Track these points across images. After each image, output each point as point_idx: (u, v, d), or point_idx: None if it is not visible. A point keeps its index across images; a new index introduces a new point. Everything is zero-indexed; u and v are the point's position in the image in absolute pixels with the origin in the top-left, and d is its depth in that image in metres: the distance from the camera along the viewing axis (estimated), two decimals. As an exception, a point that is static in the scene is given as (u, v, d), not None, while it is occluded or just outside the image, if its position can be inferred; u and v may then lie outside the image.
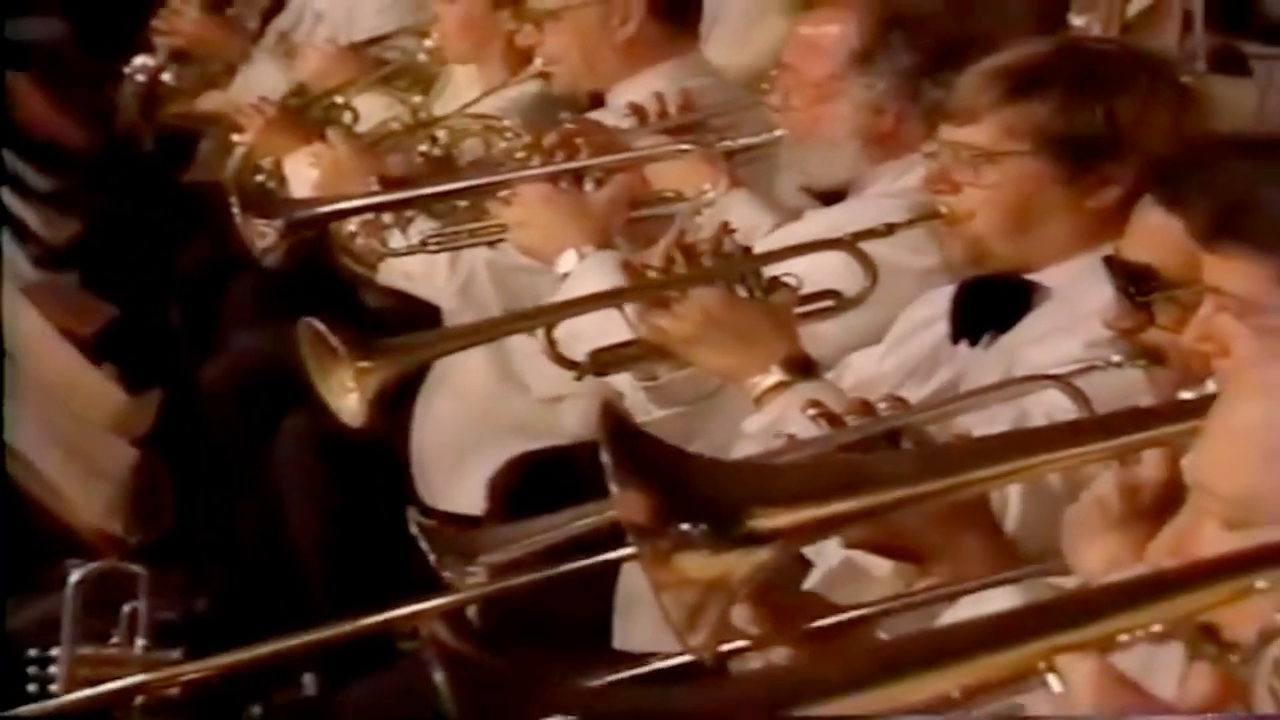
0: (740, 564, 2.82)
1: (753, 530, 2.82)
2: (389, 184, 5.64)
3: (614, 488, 2.81)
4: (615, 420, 2.91)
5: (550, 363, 4.36)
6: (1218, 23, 5.76)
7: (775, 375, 4.09)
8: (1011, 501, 3.58)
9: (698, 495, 2.84)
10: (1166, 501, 3.01)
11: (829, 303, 4.32)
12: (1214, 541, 2.55)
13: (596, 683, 3.17)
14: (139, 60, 8.04)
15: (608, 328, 4.39)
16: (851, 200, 4.78)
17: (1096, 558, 3.07)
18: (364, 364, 4.29)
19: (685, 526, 2.80)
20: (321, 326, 4.31)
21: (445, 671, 2.23)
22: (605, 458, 2.80)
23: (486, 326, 4.91)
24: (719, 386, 4.31)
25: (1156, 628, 2.38)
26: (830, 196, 4.86)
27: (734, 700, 2.37)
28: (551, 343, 4.32)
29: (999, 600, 3.15)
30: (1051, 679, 2.35)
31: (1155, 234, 3.52)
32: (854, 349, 4.40)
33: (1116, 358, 3.57)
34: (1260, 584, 2.38)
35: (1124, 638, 2.38)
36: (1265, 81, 5.70)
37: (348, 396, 4.30)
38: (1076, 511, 3.13)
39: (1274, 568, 2.39)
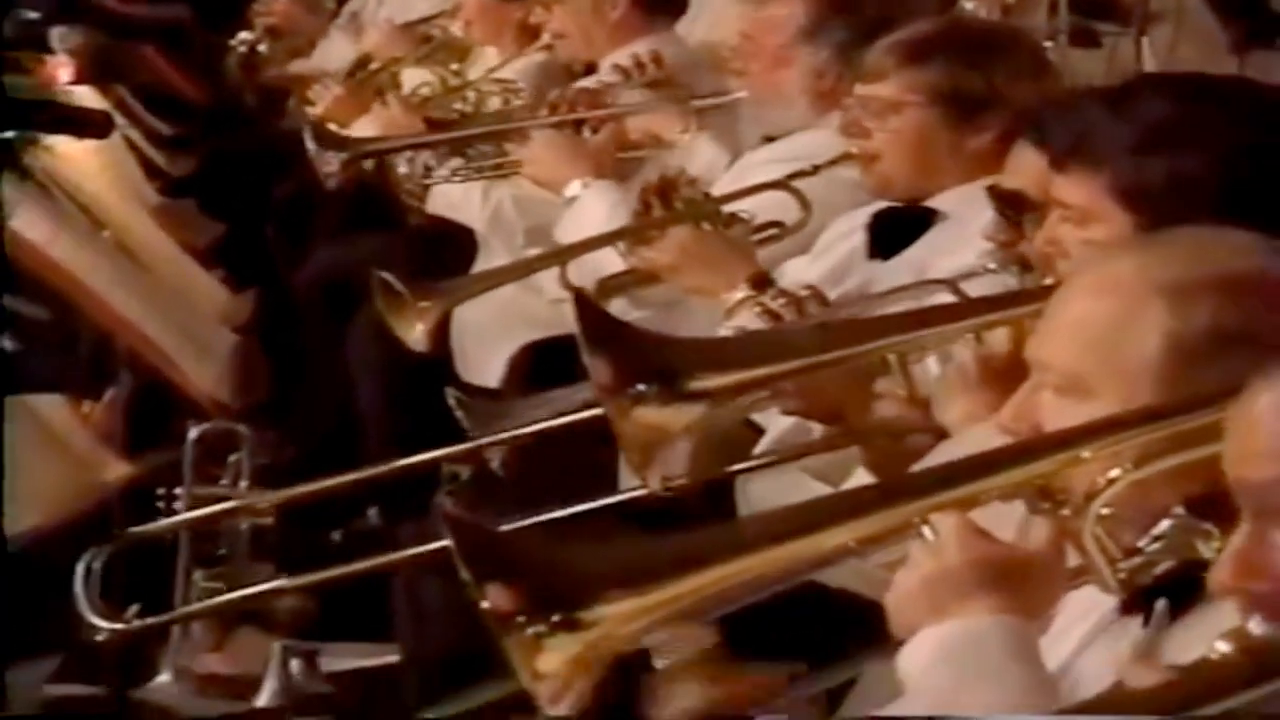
0: (683, 416, 2.84)
1: (693, 389, 2.83)
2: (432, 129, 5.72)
3: (585, 356, 2.84)
4: (587, 305, 2.95)
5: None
6: (1076, 7, 5.77)
7: (741, 291, 4.10)
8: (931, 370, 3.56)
9: (650, 362, 2.84)
10: (1011, 370, 2.94)
11: (774, 231, 4.36)
12: (1050, 406, 2.47)
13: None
14: (242, 34, 8.01)
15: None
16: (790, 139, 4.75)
17: (957, 412, 3.05)
18: (424, 304, 4.40)
19: (640, 386, 2.82)
20: (390, 277, 4.41)
21: (452, 533, 2.21)
22: (578, 333, 2.83)
23: (516, 268, 4.94)
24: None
25: (1006, 488, 2.36)
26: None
27: (658, 556, 2.32)
28: (564, 276, 4.38)
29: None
30: (926, 531, 2.33)
31: (1026, 167, 3.50)
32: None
33: (994, 265, 3.54)
34: (1085, 454, 2.35)
35: (981, 498, 2.35)
36: (1111, 52, 5.71)
37: (414, 329, 4.40)
38: (943, 376, 3.11)
39: (1096, 442, 2.36)
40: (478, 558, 2.18)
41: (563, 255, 4.54)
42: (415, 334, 4.40)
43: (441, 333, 4.49)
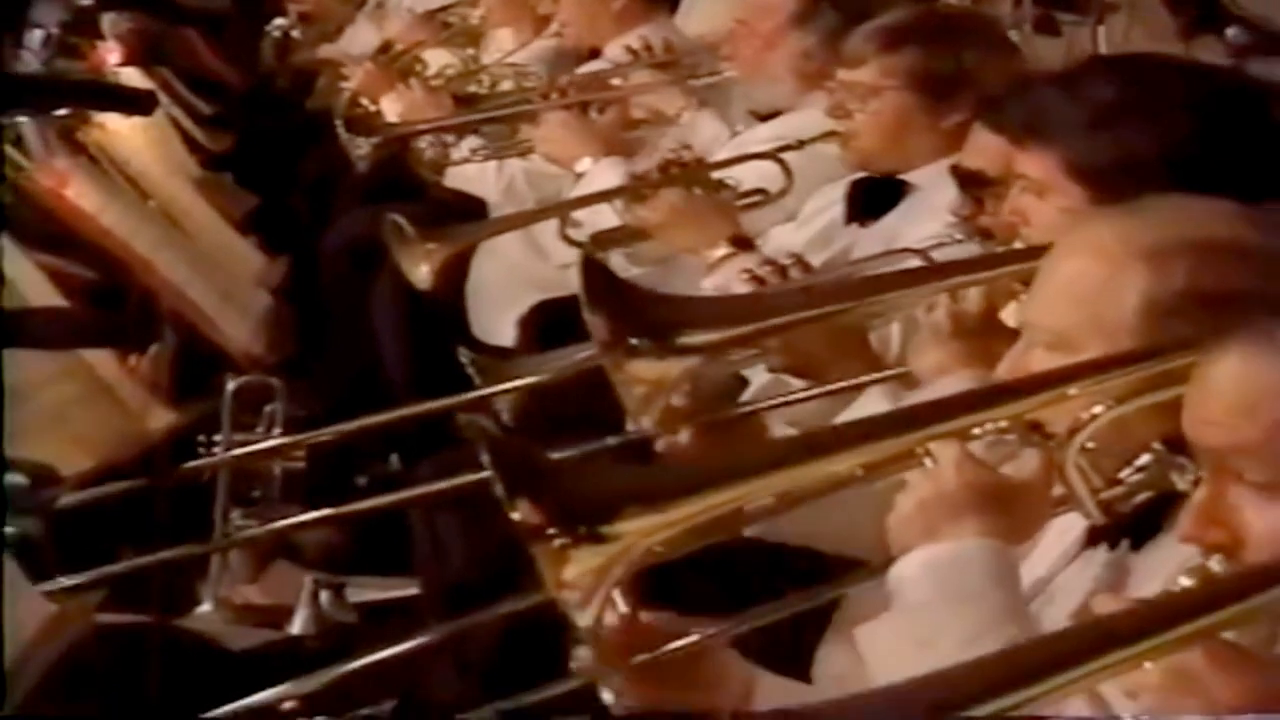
0: (674, 367, 2.85)
1: (685, 344, 2.84)
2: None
3: (585, 312, 2.84)
4: (592, 265, 2.95)
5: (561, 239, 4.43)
6: (1039, -1, 5.79)
7: (722, 249, 4.12)
8: (894, 336, 3.54)
9: (645, 317, 2.84)
10: (981, 328, 2.98)
11: (759, 197, 4.37)
12: (1041, 362, 2.47)
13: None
14: (276, 21, 8.01)
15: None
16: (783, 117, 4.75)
17: (930, 363, 3.04)
18: (430, 245, 4.37)
19: (635, 340, 2.82)
20: (400, 219, 4.39)
21: (489, 451, 2.19)
22: (580, 291, 2.84)
23: (514, 218, 4.97)
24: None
25: (1001, 424, 2.36)
26: (768, 118, 4.81)
27: (677, 477, 2.34)
28: (564, 229, 4.38)
29: (872, 403, 3.11)
30: (927, 460, 2.32)
31: (983, 146, 3.51)
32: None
33: (959, 236, 3.55)
34: (1071, 391, 2.37)
35: (977, 431, 2.36)
36: (1070, 40, 5.71)
37: (420, 268, 4.39)
38: (918, 331, 3.11)
39: (1080, 381, 2.37)
40: (511, 474, 2.16)
41: (563, 208, 4.54)
42: (421, 273, 4.40)
43: (447, 275, 4.47)
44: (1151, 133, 2.94)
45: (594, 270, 2.90)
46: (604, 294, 2.85)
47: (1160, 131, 2.94)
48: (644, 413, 2.85)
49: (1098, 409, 2.34)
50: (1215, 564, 1.97)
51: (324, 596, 4.30)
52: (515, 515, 2.13)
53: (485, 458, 2.16)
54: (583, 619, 2.15)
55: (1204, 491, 2.04)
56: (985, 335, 2.96)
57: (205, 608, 4.23)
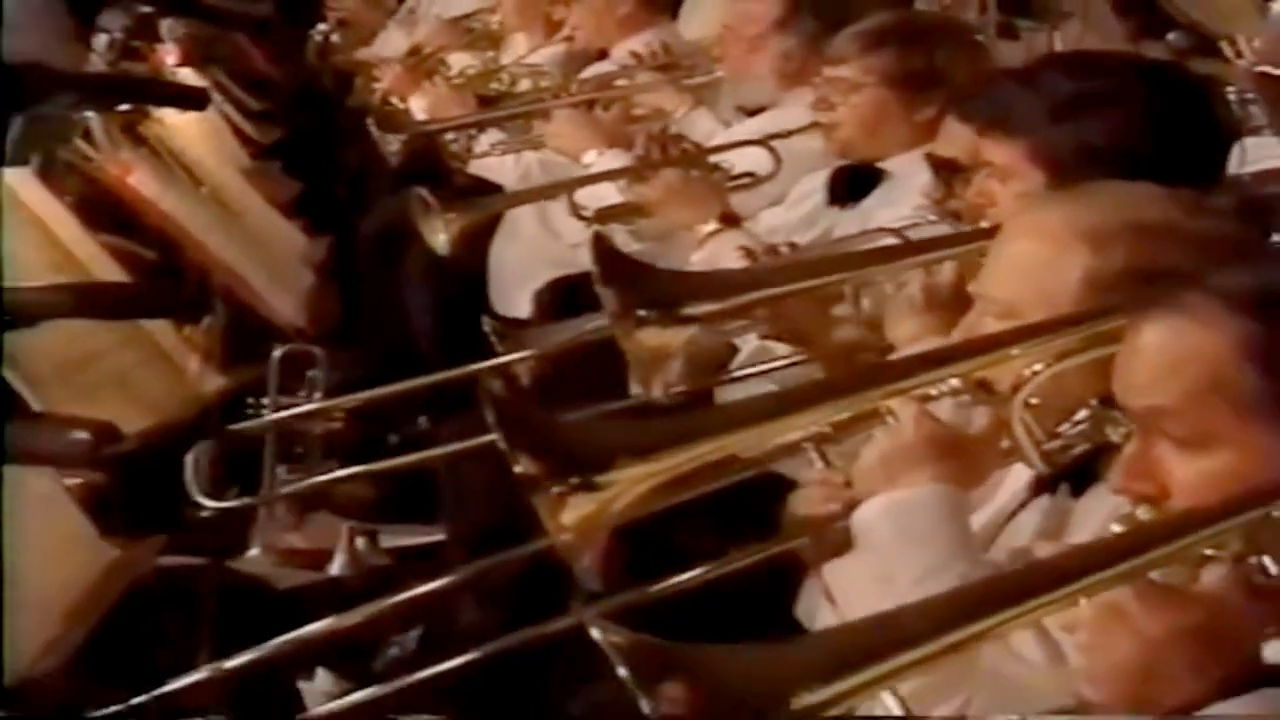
0: (678, 336, 2.85)
1: (687, 314, 2.84)
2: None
3: (597, 286, 2.83)
4: (603, 244, 2.95)
5: (575, 220, 4.39)
6: (1001, 5, 5.76)
7: (712, 225, 4.10)
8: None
9: (652, 292, 2.84)
10: (950, 299, 2.97)
11: (749, 180, 4.35)
12: (992, 330, 2.49)
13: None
14: (318, 26, 8.00)
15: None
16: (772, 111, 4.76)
17: (905, 333, 3.05)
18: (449, 215, 4.36)
19: (642, 311, 2.82)
20: (423, 191, 4.38)
21: (493, 409, 2.19)
22: (593, 267, 2.83)
23: (530, 193, 4.96)
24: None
25: (954, 382, 2.38)
26: (755, 113, 4.83)
27: (663, 430, 2.31)
28: (572, 205, 4.36)
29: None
30: (889, 417, 2.34)
31: (955, 137, 3.50)
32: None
33: (932, 218, 3.53)
34: (1014, 352, 2.37)
35: (932, 390, 2.37)
36: (1029, 44, 5.71)
37: (439, 236, 4.37)
38: (894, 302, 3.10)
39: (1021, 343, 2.38)
40: (513, 430, 2.16)
41: (570, 185, 4.52)
42: (440, 240, 4.37)
43: (466, 244, 4.46)
44: (1105, 124, 2.93)
45: (605, 249, 2.90)
46: (614, 270, 2.85)
47: (1113, 123, 2.93)
48: (650, 376, 2.84)
49: (1038, 366, 2.34)
50: (1143, 512, 1.97)
51: (359, 542, 4.30)
52: (517, 468, 2.12)
53: (489, 417, 2.16)
54: (578, 560, 2.16)
55: (1132, 447, 2.04)
56: (955, 307, 2.92)
57: (254, 552, 4.23)
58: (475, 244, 4.78)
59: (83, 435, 1.93)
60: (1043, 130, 2.95)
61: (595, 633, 1.60)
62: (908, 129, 4.08)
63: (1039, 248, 2.46)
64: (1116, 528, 1.93)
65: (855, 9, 4.44)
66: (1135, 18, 5.58)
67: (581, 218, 4.32)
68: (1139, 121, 2.92)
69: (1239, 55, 3.98)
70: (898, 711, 1.78)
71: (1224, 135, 3.07)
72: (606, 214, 4.33)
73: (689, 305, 2.83)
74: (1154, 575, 1.84)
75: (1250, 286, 1.97)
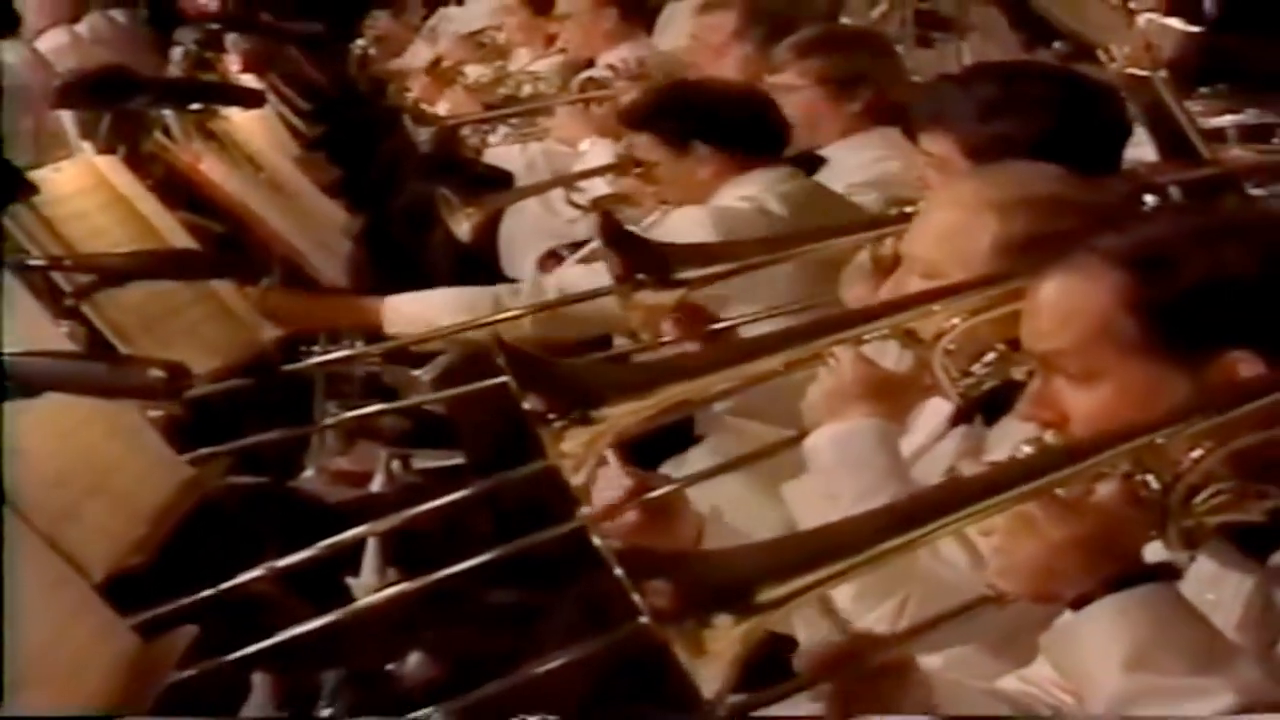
0: (671, 297, 2.83)
1: (678, 276, 2.82)
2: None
3: (603, 258, 2.82)
4: (608, 218, 2.95)
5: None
6: (918, 20, 5.75)
7: None
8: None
9: (647, 258, 2.82)
10: (894, 267, 2.87)
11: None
12: (917, 286, 2.46)
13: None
14: (358, 41, 8.03)
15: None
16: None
17: (856, 294, 2.96)
18: (470, 210, 4.34)
19: (640, 276, 2.79)
20: (448, 191, 4.40)
21: (505, 356, 2.15)
22: (597, 240, 2.80)
23: (537, 186, 4.93)
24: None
25: (884, 332, 2.37)
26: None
27: (646, 370, 2.33)
28: (569, 196, 4.38)
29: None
30: (831, 360, 2.32)
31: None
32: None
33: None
34: (935, 309, 2.36)
35: (866, 338, 2.37)
36: (940, 52, 5.70)
37: (461, 225, 4.37)
38: (846, 272, 3.05)
39: (943, 300, 2.36)
40: (522, 373, 2.14)
41: (568, 179, 4.52)
42: (463, 229, 4.38)
43: (486, 231, 4.45)
44: (1023, 123, 2.90)
45: (609, 222, 2.89)
46: (617, 240, 2.82)
47: (1029, 122, 2.90)
48: (646, 330, 2.82)
49: (955, 320, 2.33)
50: (1049, 437, 1.95)
51: (395, 465, 4.27)
52: (525, 405, 2.10)
53: (500, 361, 2.13)
54: (576, 479, 2.13)
55: (1036, 383, 2.01)
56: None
57: (309, 473, 4.20)
58: (487, 222, 4.75)
59: (159, 374, 1.89)
60: (972, 127, 2.92)
61: (594, 539, 1.56)
62: (840, 122, 4.06)
63: (955, 215, 2.43)
64: (1026, 450, 1.90)
65: (797, 20, 4.50)
66: (1026, 30, 5.59)
67: (579, 207, 4.34)
68: (1052, 121, 2.89)
69: (1111, 60, 3.96)
70: (847, 605, 1.74)
71: (1121, 132, 3.06)
72: (599, 202, 4.27)
73: (680, 269, 2.81)
74: (1059, 491, 1.81)
75: (1128, 246, 1.95)
